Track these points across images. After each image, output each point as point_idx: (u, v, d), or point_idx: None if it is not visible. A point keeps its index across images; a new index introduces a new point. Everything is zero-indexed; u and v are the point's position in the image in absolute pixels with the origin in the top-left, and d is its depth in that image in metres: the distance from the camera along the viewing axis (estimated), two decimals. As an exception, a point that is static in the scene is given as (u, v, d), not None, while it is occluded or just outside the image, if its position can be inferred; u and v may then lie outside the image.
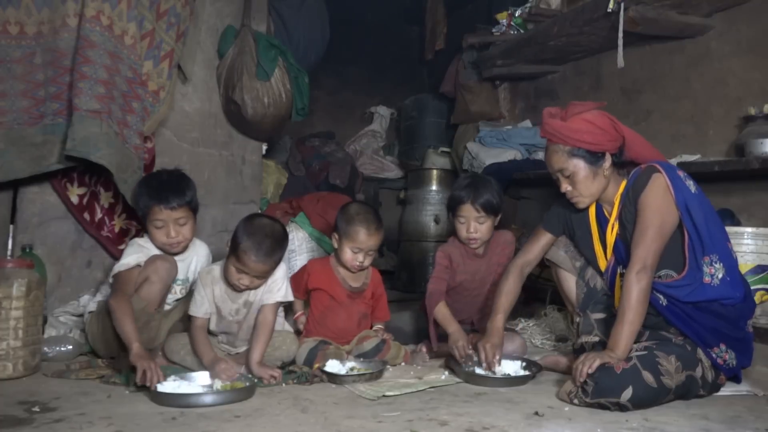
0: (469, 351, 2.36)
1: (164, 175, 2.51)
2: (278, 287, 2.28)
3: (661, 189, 2.01)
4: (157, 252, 2.44)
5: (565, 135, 2.07)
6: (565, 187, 2.15)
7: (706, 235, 1.99)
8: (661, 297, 2.01)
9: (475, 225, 2.62)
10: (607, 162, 2.10)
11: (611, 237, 2.18)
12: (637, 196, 2.05)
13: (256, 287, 2.25)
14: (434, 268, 2.71)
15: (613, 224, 2.17)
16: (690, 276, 2.00)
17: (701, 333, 1.98)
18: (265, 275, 2.22)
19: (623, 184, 2.15)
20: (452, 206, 2.67)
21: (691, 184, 2.04)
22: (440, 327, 2.63)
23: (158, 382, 1.97)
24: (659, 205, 2.00)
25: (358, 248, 2.49)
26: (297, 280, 2.57)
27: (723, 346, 2.00)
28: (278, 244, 2.21)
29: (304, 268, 2.65)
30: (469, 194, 2.61)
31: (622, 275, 2.13)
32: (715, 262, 2.00)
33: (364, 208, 2.58)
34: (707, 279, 1.99)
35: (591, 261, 2.27)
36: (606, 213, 2.21)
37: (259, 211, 2.24)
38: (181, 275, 2.51)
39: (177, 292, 2.54)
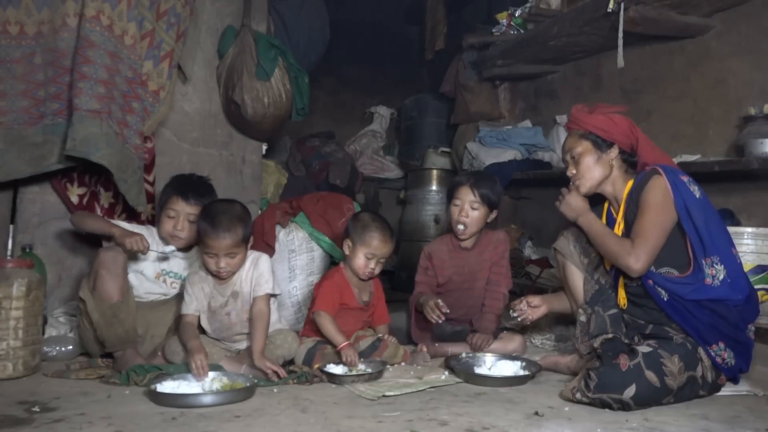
0: (441, 306, 2.50)
1: (194, 177, 2.67)
2: (265, 279, 2.34)
3: (660, 189, 2.08)
4: (154, 241, 2.52)
5: (581, 121, 2.26)
6: (571, 170, 2.29)
7: (707, 238, 2.04)
8: (663, 292, 2.05)
9: (468, 209, 2.65)
10: (614, 152, 2.22)
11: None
12: (639, 195, 2.12)
13: (234, 269, 2.31)
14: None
15: (620, 223, 2.23)
16: (693, 275, 2.05)
17: (700, 329, 2.01)
18: (231, 251, 2.26)
19: (630, 183, 2.22)
20: (450, 191, 2.75)
21: (695, 189, 2.11)
22: (437, 335, 2.68)
23: (146, 248, 2.34)
24: (658, 203, 2.07)
25: (372, 254, 2.50)
26: (329, 296, 2.48)
27: (722, 344, 2.02)
28: (234, 219, 2.27)
29: (332, 283, 2.52)
30: (469, 179, 2.72)
31: (624, 274, 2.18)
32: (716, 264, 2.04)
33: (378, 216, 2.64)
34: (708, 280, 2.03)
35: (599, 258, 2.31)
36: (614, 212, 2.28)
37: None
38: (176, 269, 2.56)
39: (168, 284, 2.57)
